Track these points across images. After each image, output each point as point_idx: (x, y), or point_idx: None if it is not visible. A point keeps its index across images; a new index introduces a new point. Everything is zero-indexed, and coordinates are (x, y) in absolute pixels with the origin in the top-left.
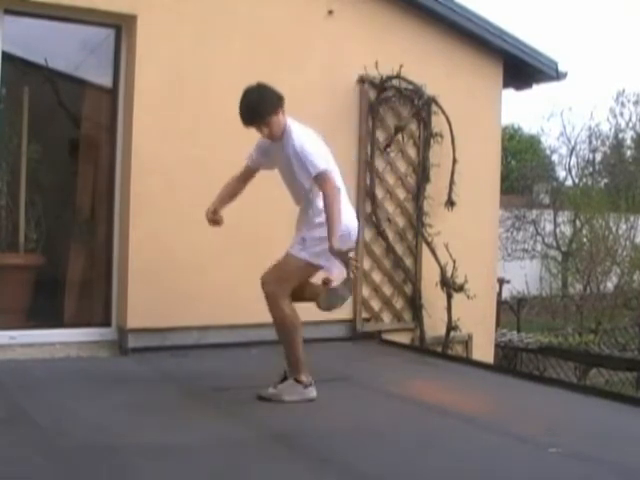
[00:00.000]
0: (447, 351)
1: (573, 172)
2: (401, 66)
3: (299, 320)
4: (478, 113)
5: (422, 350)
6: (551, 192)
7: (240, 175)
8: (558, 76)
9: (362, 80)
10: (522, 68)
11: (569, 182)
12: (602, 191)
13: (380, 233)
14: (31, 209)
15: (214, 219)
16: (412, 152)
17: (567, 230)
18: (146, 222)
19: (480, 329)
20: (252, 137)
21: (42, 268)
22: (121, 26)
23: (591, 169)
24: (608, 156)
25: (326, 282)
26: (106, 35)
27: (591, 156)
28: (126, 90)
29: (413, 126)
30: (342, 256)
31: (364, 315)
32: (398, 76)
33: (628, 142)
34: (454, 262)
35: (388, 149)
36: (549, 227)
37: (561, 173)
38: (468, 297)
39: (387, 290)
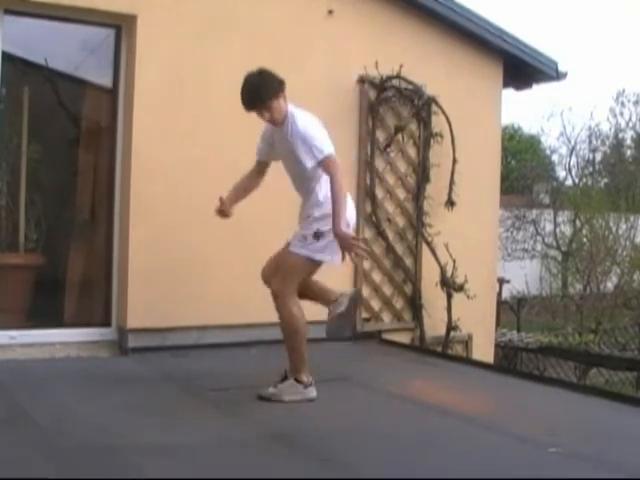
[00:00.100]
0: (447, 351)
1: (573, 172)
2: (401, 66)
3: (305, 320)
4: (478, 113)
5: (422, 350)
6: (551, 192)
7: (252, 170)
8: (558, 76)
9: (362, 80)
10: (522, 68)
11: (569, 182)
12: (602, 191)
13: (380, 233)
14: (31, 209)
15: (221, 209)
16: (412, 152)
17: (567, 230)
18: (146, 222)
19: (480, 329)
20: (252, 137)
21: (42, 268)
22: (121, 26)
23: (591, 169)
24: (608, 156)
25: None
26: (106, 35)
27: (591, 156)
28: (126, 90)
29: (413, 126)
30: (346, 241)
31: (364, 315)
32: (398, 76)
33: (628, 142)
34: (454, 262)
35: (388, 149)
36: (549, 227)
37: (561, 173)
38: (468, 297)
39: (387, 290)
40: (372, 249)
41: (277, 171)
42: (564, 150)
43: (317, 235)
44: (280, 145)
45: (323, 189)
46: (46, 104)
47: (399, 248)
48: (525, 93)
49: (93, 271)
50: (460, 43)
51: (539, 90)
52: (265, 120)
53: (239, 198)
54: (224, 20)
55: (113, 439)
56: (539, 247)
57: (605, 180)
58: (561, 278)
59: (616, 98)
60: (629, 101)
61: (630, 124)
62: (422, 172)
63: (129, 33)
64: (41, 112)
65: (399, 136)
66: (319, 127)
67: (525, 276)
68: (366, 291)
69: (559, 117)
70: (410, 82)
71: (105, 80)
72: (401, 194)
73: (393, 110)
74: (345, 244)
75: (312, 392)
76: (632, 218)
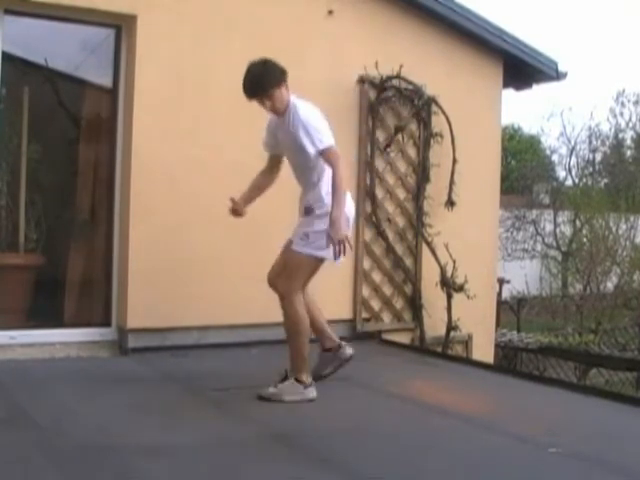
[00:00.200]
0: (447, 351)
1: (573, 172)
2: (401, 66)
3: (308, 321)
4: (478, 113)
5: (422, 350)
6: (551, 192)
7: (265, 166)
8: (558, 76)
9: (362, 80)
10: (522, 68)
11: (569, 182)
12: (602, 191)
13: (380, 233)
14: (31, 209)
15: (234, 209)
16: (412, 152)
17: (567, 230)
18: (146, 222)
19: (480, 329)
20: (252, 136)
21: (42, 268)
22: (121, 26)
23: (591, 169)
24: (608, 156)
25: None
26: (106, 35)
27: (591, 156)
28: (126, 90)
29: (413, 126)
30: (338, 233)
31: (364, 315)
32: (398, 76)
33: (628, 142)
34: (454, 262)
35: (388, 149)
36: (549, 227)
37: (561, 173)
38: (468, 297)
39: (387, 290)
40: (372, 249)
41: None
42: (564, 150)
43: (318, 232)
44: (282, 135)
45: (326, 185)
46: (46, 104)
47: (399, 248)
48: (525, 93)
49: (93, 271)
50: (460, 43)
51: (539, 90)
52: (266, 109)
53: (254, 196)
54: (224, 20)
55: (113, 439)
56: (539, 247)
57: (605, 180)
58: (561, 278)
59: (616, 98)
60: (629, 101)
61: (630, 124)
62: (422, 172)
63: (129, 33)
64: (41, 112)
65: (399, 136)
66: (321, 118)
67: (525, 276)
68: (366, 291)
69: (559, 117)
70: (410, 82)
71: (105, 80)
72: (401, 194)
73: (393, 110)
74: (335, 236)
75: (312, 392)
76: (632, 218)
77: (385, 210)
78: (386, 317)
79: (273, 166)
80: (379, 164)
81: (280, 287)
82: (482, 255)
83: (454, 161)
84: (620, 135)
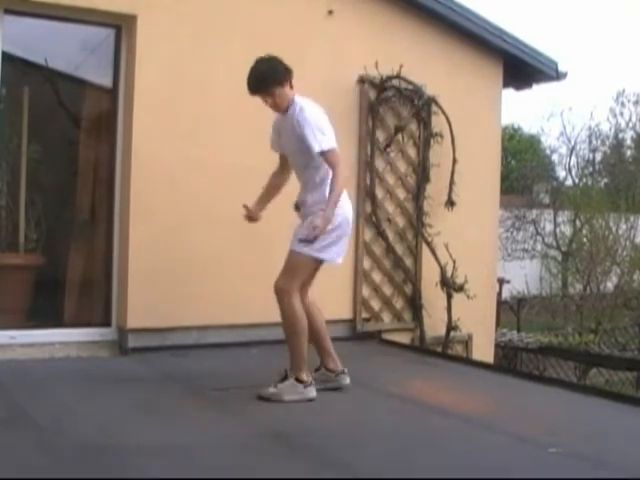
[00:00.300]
0: (447, 351)
1: (573, 172)
2: (401, 66)
3: (306, 319)
4: (478, 113)
5: (422, 350)
6: (551, 192)
7: (277, 167)
8: (558, 76)
9: (362, 80)
10: (522, 68)
11: (569, 182)
12: (602, 191)
13: (380, 233)
14: (31, 209)
15: (248, 216)
16: (412, 152)
17: (567, 230)
18: (146, 222)
19: (480, 329)
20: (252, 136)
21: (42, 268)
22: (121, 26)
23: (591, 169)
24: (608, 156)
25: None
26: (106, 35)
27: (591, 156)
28: (126, 90)
29: (413, 126)
30: (319, 229)
31: (364, 315)
32: (398, 76)
33: (628, 142)
34: (454, 262)
35: (388, 149)
36: (549, 227)
37: (561, 173)
38: (468, 297)
39: (387, 290)
40: (372, 249)
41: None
42: (564, 150)
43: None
44: (285, 133)
45: (329, 188)
46: (46, 104)
47: (399, 248)
48: (525, 93)
49: (93, 271)
50: (460, 43)
51: (539, 90)
52: (267, 105)
53: (271, 197)
54: (224, 20)
55: (113, 439)
56: (539, 247)
57: (605, 180)
58: (561, 278)
59: (616, 98)
60: (629, 101)
61: (630, 124)
62: (422, 172)
63: (129, 33)
64: (41, 112)
65: (399, 136)
66: (326, 121)
67: (525, 276)
68: (366, 291)
69: (559, 117)
70: (410, 82)
71: (105, 80)
72: (401, 194)
73: (393, 110)
74: (316, 231)
75: (312, 392)
76: (632, 218)
77: (385, 210)
78: (386, 317)
79: (284, 165)
80: (379, 164)
81: (276, 283)
82: (482, 255)
83: (454, 161)
84: (620, 135)
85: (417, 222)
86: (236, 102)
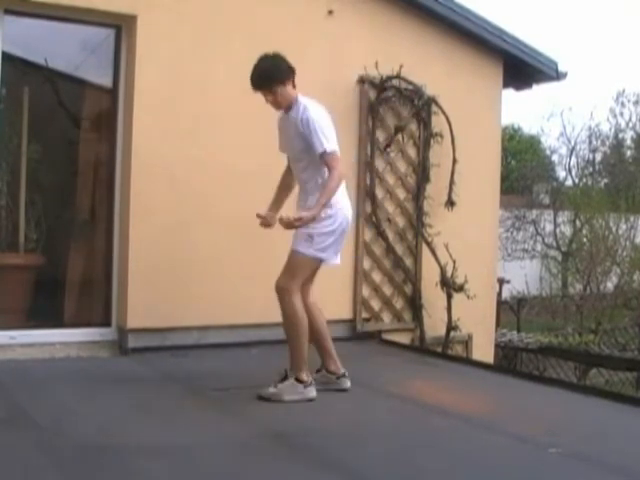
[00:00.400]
0: (447, 351)
1: (573, 172)
2: (401, 66)
3: (307, 319)
4: (478, 113)
5: (422, 350)
6: (551, 192)
7: (286, 167)
8: (558, 76)
9: (362, 80)
10: (522, 68)
11: (569, 182)
12: (602, 191)
13: (380, 233)
14: (31, 209)
15: (263, 223)
16: (412, 152)
17: (567, 230)
18: (146, 222)
19: (480, 329)
20: (252, 137)
21: (42, 268)
22: (121, 26)
23: (591, 169)
24: (608, 156)
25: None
26: (106, 35)
27: (591, 156)
28: (126, 90)
29: (413, 126)
30: (297, 224)
31: (364, 315)
32: (398, 76)
33: (628, 142)
34: (454, 262)
35: (388, 149)
36: (549, 227)
37: (561, 173)
38: (468, 297)
39: (387, 290)
40: (372, 249)
41: (281, 170)
42: (564, 150)
43: (323, 235)
44: (287, 131)
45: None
46: (46, 104)
47: (399, 248)
48: (525, 93)
49: (93, 271)
50: (460, 43)
51: (539, 90)
52: (268, 102)
53: (284, 197)
54: (224, 20)
55: (113, 439)
56: (539, 247)
57: (605, 180)
58: (561, 278)
59: (616, 98)
60: (629, 101)
61: (630, 124)
62: (422, 172)
63: (129, 33)
64: (41, 112)
65: (399, 136)
66: (328, 123)
67: (525, 276)
68: (366, 291)
69: (559, 117)
70: (410, 82)
71: (105, 80)
72: (401, 194)
73: (393, 110)
74: (299, 221)
75: (312, 392)
76: (632, 218)
77: (385, 210)
78: (386, 317)
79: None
80: (379, 164)
81: (277, 282)
82: (482, 255)
83: (454, 161)
84: (620, 135)
85: (417, 222)
86: (236, 102)
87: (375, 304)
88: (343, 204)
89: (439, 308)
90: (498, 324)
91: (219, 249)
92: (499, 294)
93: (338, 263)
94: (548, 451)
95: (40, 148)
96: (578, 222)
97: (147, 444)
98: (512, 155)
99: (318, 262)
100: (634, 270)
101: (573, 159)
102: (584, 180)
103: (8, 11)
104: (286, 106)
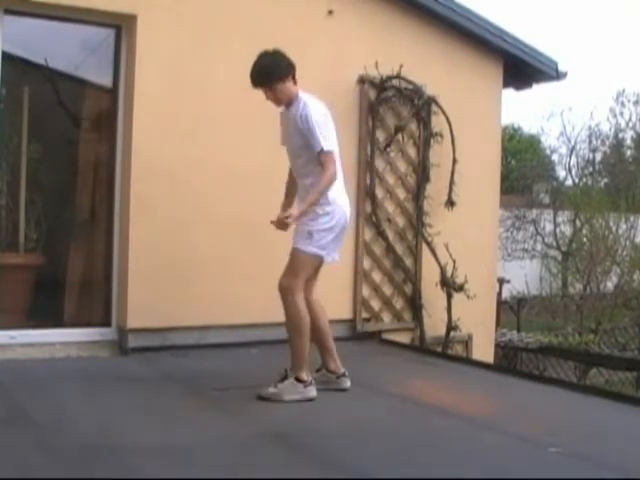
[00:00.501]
0: (447, 351)
1: (573, 172)
2: (401, 66)
3: (309, 319)
4: (478, 113)
5: (422, 350)
6: (551, 192)
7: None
8: (558, 76)
9: (362, 80)
10: (522, 68)
11: (569, 182)
12: (602, 191)
13: (380, 233)
14: (31, 209)
15: (279, 228)
16: (412, 152)
17: (567, 230)
18: (146, 222)
19: (480, 329)
20: (252, 137)
21: (42, 268)
22: (121, 26)
23: (591, 169)
24: (608, 156)
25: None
26: (106, 35)
27: (591, 156)
28: (126, 90)
29: (413, 126)
30: (286, 223)
31: (364, 315)
32: (398, 76)
33: (628, 142)
34: (454, 262)
35: (388, 149)
36: (549, 227)
37: (561, 173)
38: (468, 297)
39: (387, 290)
40: (372, 249)
41: (281, 170)
42: (564, 150)
43: (322, 232)
44: (287, 128)
45: (333, 188)
46: (46, 104)
47: (399, 248)
48: (525, 93)
49: (93, 271)
50: (460, 43)
51: (539, 90)
52: (267, 99)
53: (293, 197)
54: (224, 20)
55: (113, 439)
56: (539, 247)
57: (605, 180)
58: (561, 278)
59: (616, 98)
60: (629, 101)
61: (630, 124)
62: (422, 172)
63: (129, 33)
64: (41, 112)
65: (399, 136)
66: (327, 121)
67: (525, 276)
68: (366, 291)
69: (559, 117)
70: (410, 82)
71: (105, 80)
72: (401, 194)
73: (393, 110)
74: (283, 224)
75: (312, 391)
76: (632, 218)
77: (385, 210)
78: (386, 317)
79: None
80: (379, 164)
81: (280, 282)
82: (482, 255)
83: (454, 161)
84: (620, 135)
85: (417, 222)
86: (236, 102)
87: (375, 304)
88: (341, 201)
89: (439, 308)
90: (498, 324)
91: (219, 249)
92: (499, 294)
93: (337, 260)
94: (548, 451)
95: (40, 148)
96: (578, 222)
97: (147, 444)
98: (512, 155)
99: (319, 259)
100: (634, 270)
101: (573, 159)
102: (584, 180)
103: (8, 11)
104: (286, 102)
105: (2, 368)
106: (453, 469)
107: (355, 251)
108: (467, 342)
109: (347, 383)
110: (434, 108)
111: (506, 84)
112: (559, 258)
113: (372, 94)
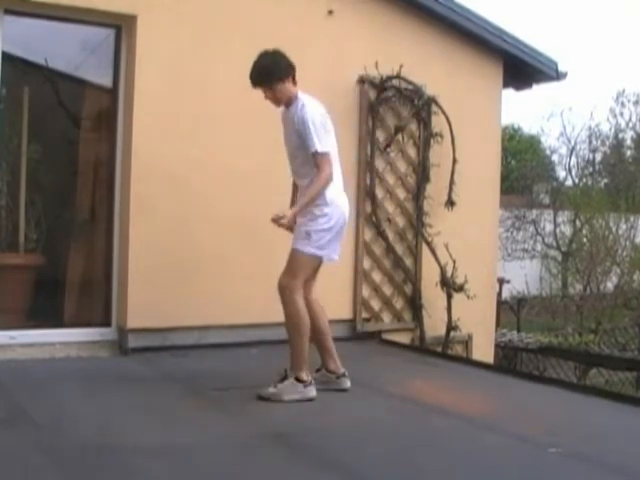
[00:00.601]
0: (447, 351)
1: (573, 172)
2: (401, 66)
3: (308, 319)
4: (478, 113)
5: (422, 350)
6: (551, 192)
7: None
8: (558, 76)
9: (362, 80)
10: (522, 68)
11: (569, 182)
12: (602, 191)
13: (380, 233)
14: (31, 209)
15: (288, 227)
16: (412, 152)
17: (567, 230)
18: (146, 222)
19: (480, 329)
20: (252, 137)
21: (42, 268)
22: (121, 26)
23: (591, 169)
24: (608, 156)
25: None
26: (106, 35)
27: (591, 156)
28: (126, 90)
29: (413, 126)
30: (282, 222)
31: (364, 315)
32: (398, 76)
33: (628, 142)
34: (454, 262)
35: (388, 149)
36: (549, 227)
37: (561, 173)
38: (468, 297)
39: (387, 290)
40: (372, 249)
41: (281, 170)
42: (564, 150)
43: (320, 232)
44: (286, 127)
45: (331, 188)
46: (46, 104)
47: (399, 248)
48: (525, 93)
49: (93, 271)
50: (460, 43)
51: (539, 90)
52: (266, 98)
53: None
54: (224, 20)
55: (113, 439)
56: (539, 247)
57: (605, 180)
58: (561, 278)
59: (616, 98)
60: (629, 101)
61: (630, 124)
62: (422, 172)
63: (129, 33)
64: (41, 112)
65: (399, 136)
66: (325, 122)
67: (525, 276)
68: (366, 291)
69: (559, 117)
70: (410, 82)
71: (105, 80)
72: (401, 194)
73: (393, 110)
74: (281, 220)
75: (312, 391)
76: (632, 218)
77: (385, 210)
78: (386, 317)
79: None
80: (379, 164)
81: (279, 281)
82: (482, 255)
83: (454, 161)
84: (620, 135)
85: (417, 222)
86: (236, 102)
87: (375, 304)
88: (339, 202)
89: (439, 308)
90: (498, 324)
91: (219, 249)
92: (499, 294)
93: (336, 260)
94: (548, 451)
95: (40, 148)
96: (578, 222)
97: (147, 444)
98: (512, 155)
99: (318, 260)
100: (634, 270)
101: (573, 159)
102: (584, 180)
103: (8, 11)
104: (286, 102)
105: (2, 368)
106: (453, 469)
107: (355, 251)
108: (467, 342)
109: (347, 383)
110: (434, 108)
111: (506, 84)
112: (559, 258)
113: (372, 94)
